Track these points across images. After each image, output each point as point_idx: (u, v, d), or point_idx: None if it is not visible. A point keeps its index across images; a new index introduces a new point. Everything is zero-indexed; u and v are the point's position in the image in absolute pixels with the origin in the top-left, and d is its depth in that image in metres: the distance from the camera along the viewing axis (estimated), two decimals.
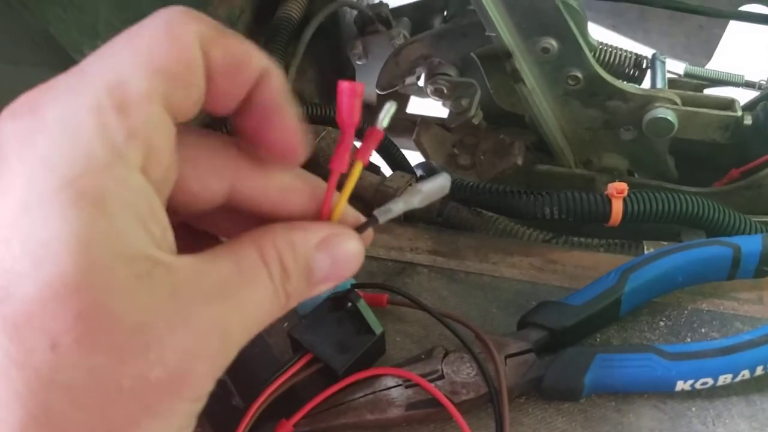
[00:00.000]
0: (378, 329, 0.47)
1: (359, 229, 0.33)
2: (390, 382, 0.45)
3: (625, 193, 0.57)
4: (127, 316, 0.22)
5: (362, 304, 0.47)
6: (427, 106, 0.89)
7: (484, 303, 0.52)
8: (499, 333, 0.48)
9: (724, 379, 0.44)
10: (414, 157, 0.80)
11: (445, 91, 0.79)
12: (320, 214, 0.32)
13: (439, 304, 0.51)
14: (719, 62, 0.90)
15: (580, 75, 0.69)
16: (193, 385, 0.24)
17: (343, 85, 0.30)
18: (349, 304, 0.47)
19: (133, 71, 0.25)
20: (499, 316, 0.51)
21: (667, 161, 0.75)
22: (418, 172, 0.72)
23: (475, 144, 0.82)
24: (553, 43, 0.67)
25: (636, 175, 0.77)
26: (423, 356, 0.46)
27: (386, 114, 0.33)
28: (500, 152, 0.79)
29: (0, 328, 0.21)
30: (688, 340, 0.49)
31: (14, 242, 0.21)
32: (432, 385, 0.44)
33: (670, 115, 0.68)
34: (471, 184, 0.62)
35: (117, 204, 0.23)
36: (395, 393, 0.45)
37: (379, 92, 0.79)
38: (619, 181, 0.75)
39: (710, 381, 0.44)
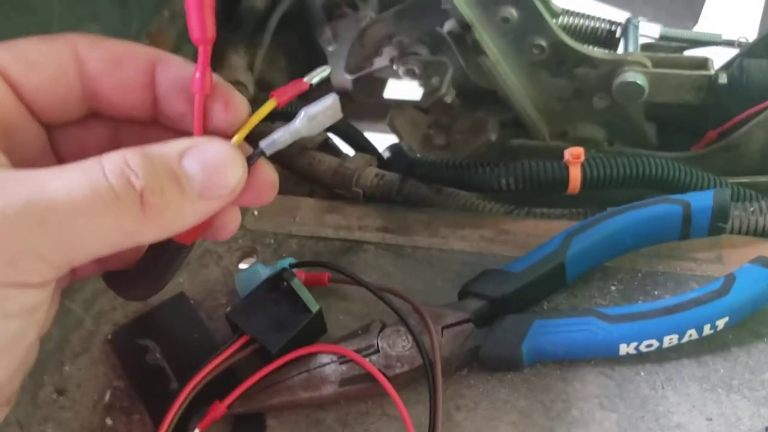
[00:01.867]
0: (314, 307, 0.46)
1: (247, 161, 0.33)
2: (325, 359, 0.44)
3: (582, 159, 0.55)
4: None
5: (296, 283, 0.46)
6: (408, 91, 0.88)
7: (430, 276, 0.50)
8: (440, 305, 0.46)
9: (670, 340, 0.42)
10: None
11: (417, 70, 0.78)
12: None
13: (385, 280, 0.50)
14: (706, 24, 0.87)
15: (544, 43, 0.67)
16: None
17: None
18: (285, 283, 0.46)
19: None
20: (444, 289, 0.49)
21: (644, 128, 0.72)
22: (386, 155, 0.71)
23: (450, 124, 0.80)
24: (512, 12, 0.65)
25: (614, 144, 0.75)
26: (360, 331, 0.45)
27: (317, 74, 0.34)
28: (475, 130, 0.78)
29: None
30: (641, 303, 0.47)
31: None
32: (366, 360, 0.43)
33: (639, 79, 0.66)
34: (428, 160, 0.60)
35: None
36: (329, 370, 0.44)
37: (348, 76, 0.78)
38: (597, 150, 0.74)
39: (655, 343, 0.42)
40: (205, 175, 0.30)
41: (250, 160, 0.33)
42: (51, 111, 0.34)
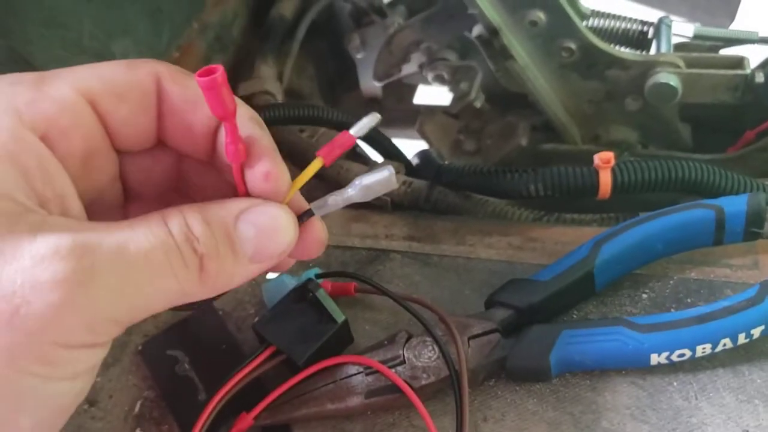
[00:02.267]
0: (340, 318, 0.45)
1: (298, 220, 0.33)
2: (351, 370, 0.44)
3: (612, 163, 0.54)
4: None
5: (321, 293, 0.46)
6: (438, 97, 0.87)
7: (457, 285, 0.50)
8: (467, 315, 0.46)
9: (703, 349, 0.41)
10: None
11: (446, 76, 0.78)
12: None
13: (411, 289, 0.50)
14: (742, 22, 0.85)
15: (573, 46, 0.66)
16: (37, 318, 0.24)
17: (201, 82, 0.29)
18: (311, 294, 0.46)
19: (73, 71, 0.30)
20: (472, 298, 0.49)
21: (678, 129, 0.71)
22: (415, 162, 0.71)
23: (480, 128, 0.80)
24: (540, 15, 0.65)
25: (648, 147, 0.73)
26: (386, 342, 0.45)
27: (366, 125, 0.33)
28: (505, 135, 0.77)
29: None
30: (673, 312, 0.46)
31: None
32: (392, 371, 0.43)
33: (672, 80, 0.65)
34: (455, 167, 0.60)
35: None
36: (355, 381, 0.44)
37: (377, 83, 0.78)
38: (629, 153, 0.72)
39: (687, 352, 0.41)
40: (258, 240, 0.30)
41: (300, 220, 0.33)
42: (130, 140, 0.34)
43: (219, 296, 0.37)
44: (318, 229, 0.35)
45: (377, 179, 0.33)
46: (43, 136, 0.29)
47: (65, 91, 0.29)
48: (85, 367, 0.27)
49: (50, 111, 0.28)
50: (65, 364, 0.26)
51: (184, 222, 0.28)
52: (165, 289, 0.28)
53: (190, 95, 0.32)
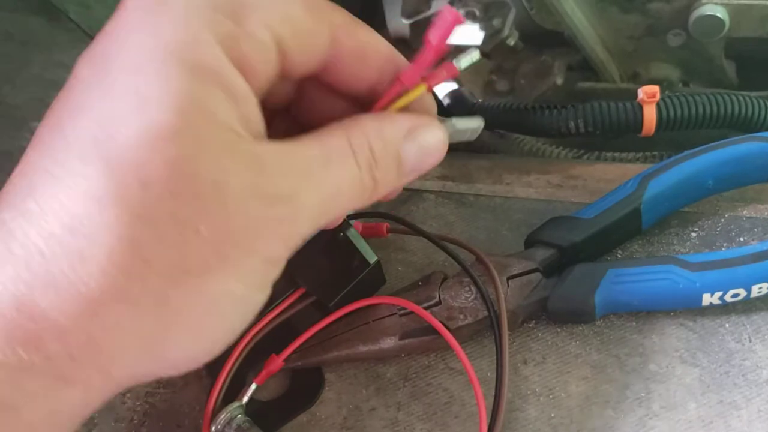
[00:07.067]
0: (372, 258, 0.44)
1: None
2: (385, 311, 0.42)
3: (658, 98, 0.51)
4: (210, 173, 0.24)
5: (353, 233, 0.44)
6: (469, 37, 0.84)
7: (494, 225, 0.48)
8: (506, 255, 0.44)
9: (759, 289, 0.39)
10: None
11: (477, 13, 0.74)
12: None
13: (446, 229, 0.48)
14: None
15: None
16: (265, 244, 0.26)
17: (446, 11, 0.29)
18: (341, 234, 0.44)
19: (265, 7, 0.28)
20: (510, 238, 0.47)
21: (723, 66, 0.67)
22: (446, 102, 0.68)
23: (514, 68, 0.76)
24: None
25: (690, 85, 0.70)
26: (420, 283, 0.43)
27: (468, 58, 0.33)
28: (540, 74, 0.74)
29: (101, 167, 0.23)
30: (726, 249, 0.43)
31: (120, 93, 0.24)
32: (427, 311, 0.41)
33: (719, 12, 0.61)
34: (490, 104, 0.57)
35: (217, 81, 0.25)
36: (389, 322, 0.42)
37: (405, 21, 0.75)
38: (670, 92, 0.69)
39: (742, 292, 0.39)
40: (417, 158, 0.31)
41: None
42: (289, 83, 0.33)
43: None
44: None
45: (470, 125, 0.34)
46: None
47: (263, 35, 0.28)
48: (273, 279, 0.29)
49: (247, 51, 0.28)
50: (266, 275, 0.28)
51: (368, 146, 0.29)
52: (344, 211, 0.30)
53: (362, 48, 0.31)
